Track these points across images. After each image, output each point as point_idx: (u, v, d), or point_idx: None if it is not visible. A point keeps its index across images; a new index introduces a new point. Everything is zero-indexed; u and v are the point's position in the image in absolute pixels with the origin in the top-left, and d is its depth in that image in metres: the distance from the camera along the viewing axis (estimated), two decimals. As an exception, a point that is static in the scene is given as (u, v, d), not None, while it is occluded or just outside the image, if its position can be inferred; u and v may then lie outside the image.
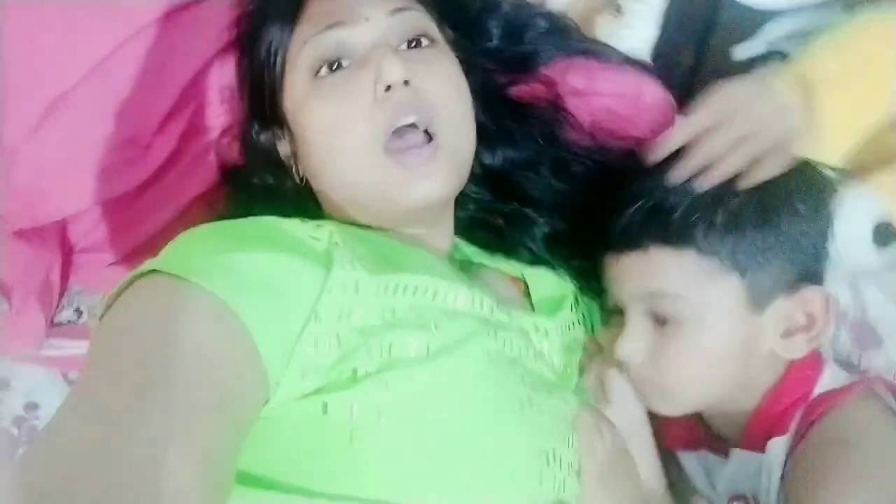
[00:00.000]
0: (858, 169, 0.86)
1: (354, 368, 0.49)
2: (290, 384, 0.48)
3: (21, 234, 0.72)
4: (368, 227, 0.62)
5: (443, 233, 0.66)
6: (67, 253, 0.78)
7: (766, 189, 0.60)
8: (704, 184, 0.59)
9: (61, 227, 0.77)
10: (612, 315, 0.66)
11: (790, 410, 0.60)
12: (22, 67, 0.69)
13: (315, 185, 0.64)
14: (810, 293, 0.61)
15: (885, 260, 0.84)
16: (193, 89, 0.73)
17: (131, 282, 0.50)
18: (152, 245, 0.79)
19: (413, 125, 0.58)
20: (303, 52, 0.59)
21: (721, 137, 0.60)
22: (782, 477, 0.58)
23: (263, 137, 0.66)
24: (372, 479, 0.48)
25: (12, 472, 0.39)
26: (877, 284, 0.86)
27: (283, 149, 0.64)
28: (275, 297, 0.49)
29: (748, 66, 0.95)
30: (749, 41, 0.93)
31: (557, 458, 0.53)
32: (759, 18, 0.93)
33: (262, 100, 0.63)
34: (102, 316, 0.50)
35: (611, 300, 0.65)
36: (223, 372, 0.45)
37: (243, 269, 0.49)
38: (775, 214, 0.60)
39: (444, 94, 0.60)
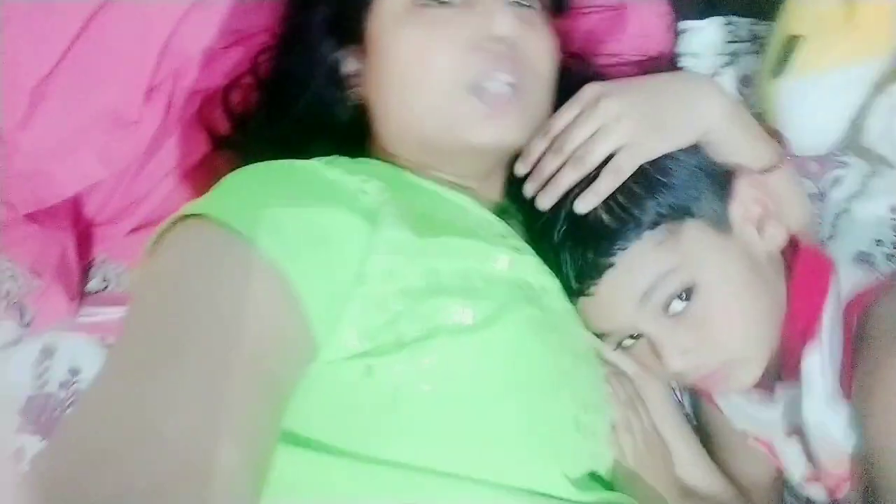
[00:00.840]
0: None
1: (400, 334, 0.49)
2: (335, 346, 0.48)
3: (32, 217, 0.74)
4: (416, 172, 0.60)
5: (493, 189, 0.64)
6: (87, 227, 0.80)
7: None
8: (548, 201, 0.59)
9: (74, 205, 0.78)
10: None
11: (812, 318, 0.57)
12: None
13: (379, 112, 0.62)
14: (743, 185, 0.61)
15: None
16: (171, 55, 0.72)
17: (174, 223, 0.49)
18: (164, 213, 0.83)
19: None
20: None
21: (554, 160, 0.59)
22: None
23: (328, 47, 0.63)
24: (413, 444, 0.48)
25: (56, 435, 0.39)
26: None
27: (349, 66, 0.63)
28: (323, 257, 0.48)
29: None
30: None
31: (592, 429, 0.54)
32: None
33: (340, 11, 0.61)
34: (145, 257, 0.49)
35: (616, 338, 0.60)
36: (269, 334, 0.44)
37: (292, 224, 0.48)
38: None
39: (541, 57, 0.60)
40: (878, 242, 0.75)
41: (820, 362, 0.56)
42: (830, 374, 0.56)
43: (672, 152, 0.58)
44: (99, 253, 0.82)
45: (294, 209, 0.48)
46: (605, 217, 0.57)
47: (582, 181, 0.58)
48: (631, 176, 0.57)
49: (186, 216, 0.49)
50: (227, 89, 0.72)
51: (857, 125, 0.77)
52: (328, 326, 0.47)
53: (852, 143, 0.79)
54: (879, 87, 0.75)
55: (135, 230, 0.80)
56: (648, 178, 0.57)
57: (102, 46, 0.71)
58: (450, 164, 0.60)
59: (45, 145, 0.72)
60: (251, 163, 0.56)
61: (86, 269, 0.82)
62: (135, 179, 0.77)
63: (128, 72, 0.72)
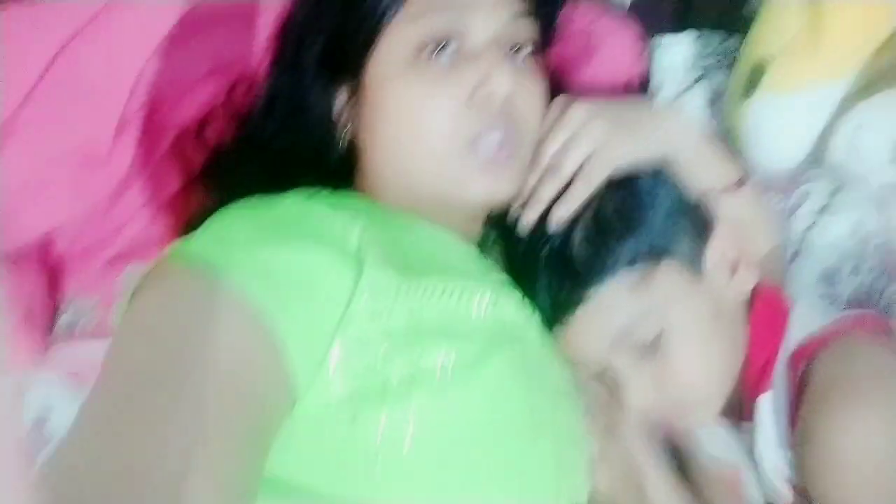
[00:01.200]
0: (881, 73, 0.78)
1: (385, 379, 0.49)
2: (319, 390, 0.48)
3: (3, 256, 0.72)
4: (400, 208, 0.60)
5: (474, 224, 0.65)
6: (57, 262, 0.78)
7: (619, 177, 0.60)
8: (529, 220, 0.60)
9: (46, 241, 0.76)
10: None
11: (767, 365, 0.59)
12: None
13: (370, 155, 0.62)
14: (718, 230, 0.62)
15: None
16: (143, 89, 0.70)
17: (160, 263, 0.49)
18: (138, 246, 0.82)
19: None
20: (416, 23, 0.57)
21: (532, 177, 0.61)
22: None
23: (321, 84, 0.62)
24: (397, 490, 0.48)
25: (35, 479, 0.39)
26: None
27: (340, 101, 0.62)
28: (309, 301, 0.48)
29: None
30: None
31: (572, 465, 0.55)
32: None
33: (341, 49, 0.60)
34: (130, 300, 0.49)
35: (585, 371, 0.61)
36: (253, 380, 0.45)
37: (279, 270, 0.48)
38: (640, 189, 0.60)
39: (533, 114, 0.60)
40: (842, 257, 0.78)
41: (773, 408, 0.58)
42: (783, 419, 0.58)
43: (653, 191, 0.59)
44: (70, 288, 0.80)
45: (281, 254, 0.49)
46: (582, 251, 0.58)
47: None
48: (612, 213, 0.58)
49: (172, 258, 0.48)
50: (201, 122, 0.71)
51: (823, 143, 0.80)
52: (311, 372, 0.47)
53: (819, 160, 0.81)
54: (844, 106, 0.78)
55: (108, 264, 0.79)
56: (629, 217, 0.58)
57: (72, 81, 0.69)
58: (437, 211, 0.60)
59: (14, 184, 0.70)
60: (227, 195, 0.56)
61: (56, 305, 0.80)
62: (107, 213, 0.76)
63: (98, 106, 0.70)
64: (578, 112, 0.60)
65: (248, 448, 0.44)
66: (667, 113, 0.67)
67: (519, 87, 0.58)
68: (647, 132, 0.62)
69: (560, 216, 0.59)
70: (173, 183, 0.75)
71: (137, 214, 0.76)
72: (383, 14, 0.57)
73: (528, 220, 0.60)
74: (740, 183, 0.67)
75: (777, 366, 0.58)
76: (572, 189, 0.59)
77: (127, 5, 0.69)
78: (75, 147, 0.71)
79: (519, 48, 0.60)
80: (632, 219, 0.58)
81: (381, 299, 0.50)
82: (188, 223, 0.76)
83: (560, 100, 0.62)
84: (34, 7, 0.69)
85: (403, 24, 0.57)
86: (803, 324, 0.60)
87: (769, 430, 0.58)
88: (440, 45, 0.57)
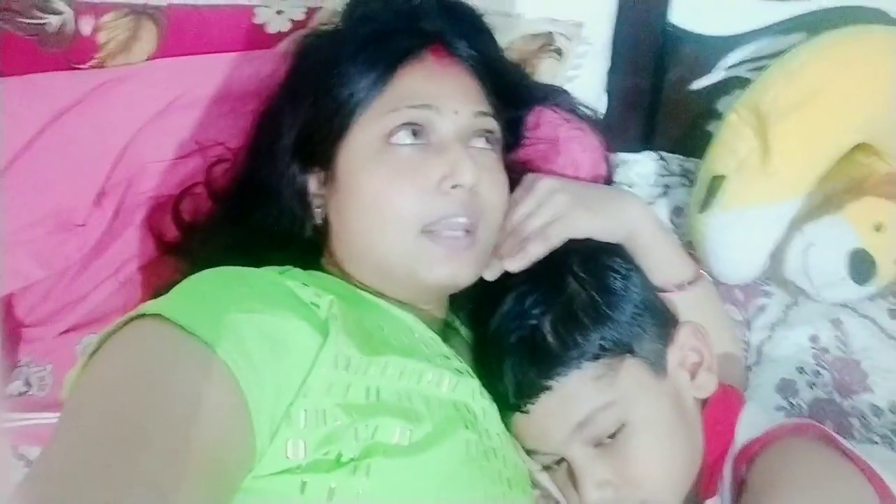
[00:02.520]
0: (828, 198, 0.83)
1: (339, 452, 0.49)
2: (273, 457, 0.48)
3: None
4: (366, 289, 0.62)
5: (440, 305, 0.67)
6: (15, 328, 0.77)
7: (591, 272, 0.62)
8: (516, 265, 0.63)
9: (6, 304, 0.75)
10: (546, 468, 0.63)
11: (715, 469, 0.59)
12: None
13: (339, 237, 0.64)
14: (683, 332, 0.64)
15: (866, 292, 0.81)
16: (126, 162, 0.73)
17: (128, 321, 0.48)
18: (97, 318, 0.82)
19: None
20: (386, 117, 0.60)
21: (519, 210, 0.66)
22: None
23: (294, 171, 0.64)
24: None
25: None
26: (859, 315, 0.83)
27: (313, 186, 0.65)
28: (273, 365, 0.48)
29: (707, 94, 0.94)
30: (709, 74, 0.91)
31: None
32: (719, 49, 0.91)
33: (313, 139, 0.63)
34: (93, 354, 0.48)
35: (542, 459, 0.62)
36: (219, 437, 0.44)
37: (249, 331, 0.48)
38: (611, 286, 0.62)
39: (496, 202, 0.64)
40: (800, 370, 0.79)
41: None
42: None
43: (623, 289, 0.61)
44: (23, 355, 0.79)
45: (251, 315, 0.49)
46: (550, 340, 0.59)
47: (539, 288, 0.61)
48: (583, 306, 0.60)
49: (141, 316, 0.48)
50: (179, 197, 0.73)
51: (777, 258, 0.83)
52: (269, 436, 0.47)
53: (774, 274, 0.85)
54: (795, 225, 0.82)
55: (64, 333, 0.78)
56: (597, 310, 0.60)
57: (59, 149, 0.71)
58: (403, 291, 0.62)
59: (-11, 242, 0.71)
60: (198, 268, 0.56)
61: (8, 372, 0.78)
62: (73, 281, 0.76)
63: (81, 176, 0.72)
64: (545, 185, 0.66)
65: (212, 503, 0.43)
66: (628, 196, 0.71)
67: (483, 178, 0.61)
68: (607, 210, 0.66)
69: (514, 267, 0.62)
70: (143, 255, 0.76)
71: (101, 285, 0.76)
72: (354, 109, 0.61)
73: (488, 275, 0.63)
74: (694, 280, 0.69)
75: (724, 470, 0.58)
76: (529, 245, 0.62)
77: (121, 83, 0.73)
78: (53, 212, 0.72)
79: (483, 141, 0.63)
80: (600, 314, 0.59)
81: (340, 373, 0.51)
82: (154, 296, 0.77)
83: (530, 176, 0.67)
84: (31, 78, 0.72)
85: (374, 117, 0.61)
86: (749, 427, 0.60)
87: None
88: (408, 135, 0.60)
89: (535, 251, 0.62)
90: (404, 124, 0.60)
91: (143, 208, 0.75)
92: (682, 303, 0.67)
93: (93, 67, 0.76)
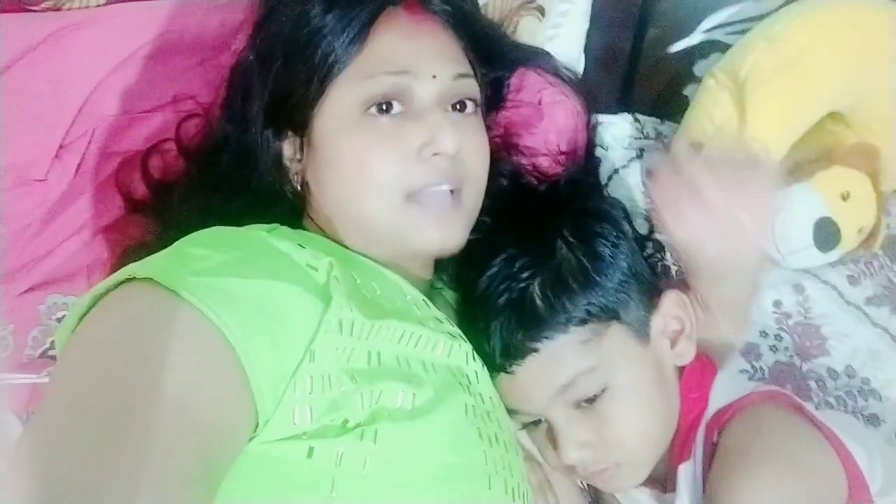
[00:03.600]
0: (798, 165, 0.84)
1: (346, 418, 0.49)
2: (278, 423, 0.47)
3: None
4: (353, 248, 0.61)
5: (427, 265, 0.66)
6: (-27, 286, 0.75)
7: (581, 237, 0.62)
8: None
9: (-37, 261, 0.73)
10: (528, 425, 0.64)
11: (689, 435, 0.61)
12: None
13: (320, 202, 0.62)
14: (667, 301, 0.64)
15: (829, 259, 0.83)
16: (88, 116, 0.69)
17: (116, 284, 0.47)
18: (61, 276, 0.79)
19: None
20: (363, 83, 0.58)
21: None
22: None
23: (268, 136, 0.62)
24: None
25: None
26: (821, 281, 0.85)
27: (288, 151, 0.62)
28: (275, 333, 0.47)
29: (685, 57, 0.93)
30: (687, 37, 0.90)
31: None
32: (699, 10, 0.90)
33: (286, 104, 0.60)
34: (84, 314, 0.47)
35: (523, 418, 0.63)
36: (212, 407, 0.44)
37: (245, 296, 0.47)
38: (600, 252, 0.62)
39: (478, 165, 0.62)
40: (763, 334, 0.81)
41: (692, 477, 0.59)
42: (699, 489, 0.59)
43: (612, 256, 0.62)
44: (-17, 314, 0.76)
45: (247, 281, 0.48)
46: (539, 303, 0.59)
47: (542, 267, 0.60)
48: (572, 271, 0.60)
49: (132, 279, 0.47)
50: (147, 154, 0.71)
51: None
52: (273, 403, 0.47)
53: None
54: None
55: (27, 291, 0.75)
56: (585, 276, 0.60)
57: (15, 100, 0.67)
58: (389, 254, 0.61)
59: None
60: (169, 229, 0.55)
61: (-33, 331, 0.76)
62: (34, 238, 0.72)
63: (40, 128, 0.69)
64: None
65: (206, 474, 0.43)
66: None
67: (464, 143, 0.59)
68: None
69: None
70: (108, 213, 0.73)
71: (65, 243, 0.73)
72: (328, 73, 0.58)
73: None
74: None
75: (697, 435, 0.60)
76: None
77: (79, 30, 0.69)
78: (11, 166, 0.69)
79: (463, 105, 0.62)
80: (589, 279, 0.60)
81: (344, 338, 0.50)
82: (121, 256, 0.75)
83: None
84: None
85: (349, 84, 0.58)
86: (722, 394, 0.62)
87: (686, 500, 0.59)
88: (386, 104, 0.58)
89: None
90: (379, 103, 0.58)
91: (108, 164, 0.72)
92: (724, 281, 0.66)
93: (47, 10, 0.71)
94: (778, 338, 0.81)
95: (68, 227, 0.74)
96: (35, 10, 0.71)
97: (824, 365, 0.79)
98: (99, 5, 0.73)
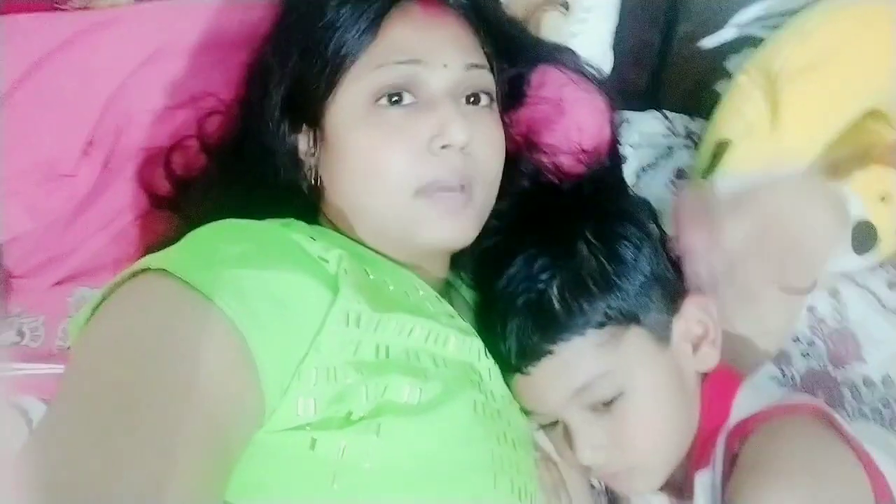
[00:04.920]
0: (834, 165, 0.81)
1: (350, 410, 0.49)
2: (283, 414, 0.48)
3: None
4: (367, 245, 0.61)
5: (442, 263, 0.65)
6: (5, 278, 0.76)
7: (603, 239, 0.61)
8: None
9: (-5, 255, 0.75)
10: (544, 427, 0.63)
11: (709, 443, 0.59)
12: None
13: (333, 197, 0.62)
14: (690, 304, 0.63)
15: (866, 262, 0.80)
16: (114, 111, 0.70)
17: (132, 274, 0.48)
18: (89, 269, 0.81)
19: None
20: (373, 73, 0.58)
21: None
22: None
23: (284, 130, 0.62)
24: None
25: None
26: (858, 285, 0.82)
27: (303, 145, 0.63)
28: (283, 323, 0.48)
29: (716, 52, 0.91)
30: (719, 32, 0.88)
31: None
32: (732, 4, 0.87)
33: (301, 97, 0.61)
34: (97, 307, 0.48)
35: (539, 419, 0.62)
36: (224, 397, 0.44)
37: (255, 286, 0.48)
38: (622, 255, 0.61)
39: (491, 159, 0.61)
40: (795, 339, 0.79)
41: (710, 485, 0.58)
42: (718, 497, 0.57)
43: (634, 259, 0.60)
44: (14, 306, 0.78)
45: (257, 271, 0.49)
46: (556, 305, 0.58)
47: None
48: (589, 273, 0.59)
49: (144, 270, 0.48)
50: (170, 150, 0.71)
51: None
52: (280, 393, 0.47)
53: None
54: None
55: (56, 284, 0.77)
56: (605, 278, 0.59)
57: (44, 96, 0.69)
58: (401, 251, 0.61)
59: (-28, 192, 0.69)
60: (191, 224, 0.55)
61: (-1, 322, 0.78)
62: (63, 233, 0.74)
63: (68, 124, 0.70)
64: None
65: (216, 465, 0.43)
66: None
67: (476, 135, 0.58)
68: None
69: None
70: (135, 208, 0.74)
71: (93, 237, 0.75)
72: (340, 64, 0.58)
73: None
74: (802, 290, 0.68)
75: (718, 444, 0.58)
76: None
77: (107, 28, 0.70)
78: (40, 161, 0.70)
79: (477, 98, 0.61)
80: (609, 282, 0.59)
81: (351, 330, 0.51)
82: (146, 250, 0.76)
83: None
84: (16, 18, 0.69)
85: (361, 75, 0.58)
86: (746, 404, 0.60)
87: None
88: (397, 95, 0.58)
89: None
90: (389, 94, 0.57)
91: (134, 159, 0.73)
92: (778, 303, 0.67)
93: (78, 9, 0.73)
94: (811, 343, 0.79)
95: (96, 221, 0.75)
96: (66, 10, 0.73)
97: (860, 373, 0.76)
98: (127, 3, 0.74)
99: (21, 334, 0.79)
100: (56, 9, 0.72)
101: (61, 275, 0.77)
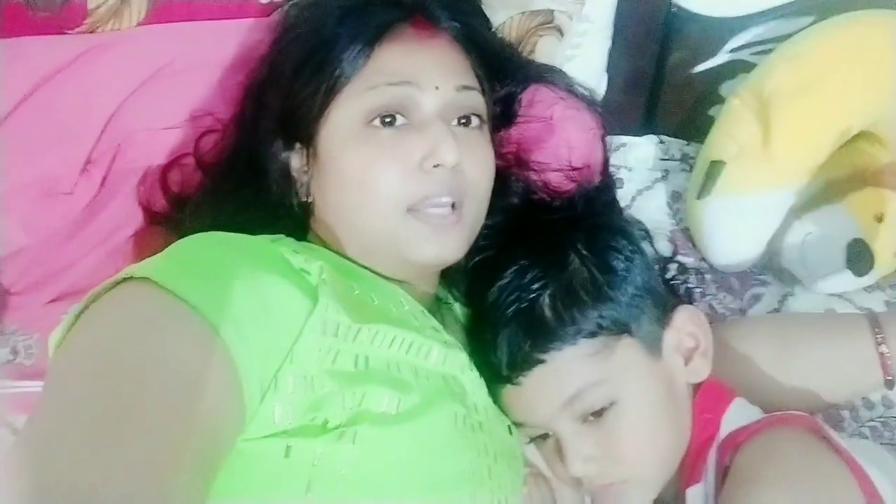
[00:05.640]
0: (829, 186, 0.82)
1: (326, 419, 0.49)
2: (259, 421, 0.48)
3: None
4: (355, 261, 0.61)
5: (430, 281, 0.66)
6: (1, 296, 0.76)
7: (594, 251, 0.61)
8: None
9: (-8, 271, 0.76)
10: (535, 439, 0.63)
11: (699, 457, 0.58)
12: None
13: (323, 213, 0.63)
14: (680, 315, 0.63)
15: (863, 282, 0.80)
16: (114, 131, 0.72)
17: (115, 283, 0.48)
18: (85, 287, 0.81)
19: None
20: (366, 95, 0.59)
21: None
22: None
23: (277, 148, 0.63)
24: None
25: None
26: (856, 307, 0.81)
27: (296, 162, 0.63)
28: (263, 330, 0.48)
29: (710, 78, 0.92)
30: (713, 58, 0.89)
31: None
32: (724, 31, 0.89)
33: (295, 116, 0.61)
34: (80, 314, 0.48)
35: (530, 431, 0.62)
36: (207, 403, 0.44)
37: (237, 294, 0.48)
38: (613, 266, 0.61)
39: (480, 179, 0.62)
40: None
41: (703, 499, 0.57)
42: None
43: (626, 270, 0.60)
44: (10, 323, 0.79)
45: (239, 280, 0.49)
46: (548, 314, 0.58)
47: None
48: (583, 283, 0.59)
49: (127, 279, 0.48)
50: (166, 168, 0.73)
51: (774, 247, 0.82)
52: (258, 400, 0.47)
53: (771, 262, 0.83)
54: (795, 213, 0.81)
55: (52, 301, 0.77)
56: (597, 288, 0.59)
57: (46, 116, 0.70)
58: (390, 268, 0.61)
59: (-28, 207, 0.70)
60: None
61: (-7, 339, 0.78)
62: (60, 250, 0.75)
63: (68, 143, 0.71)
64: None
65: (201, 469, 0.43)
66: None
67: (466, 156, 0.59)
68: None
69: None
70: (131, 226, 0.75)
71: (89, 255, 0.75)
72: (333, 87, 0.59)
73: None
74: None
75: (709, 457, 0.58)
76: None
77: (108, 50, 0.72)
78: (39, 179, 0.71)
79: (468, 120, 0.62)
80: (601, 292, 0.59)
81: (329, 340, 0.51)
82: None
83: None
84: (19, 41, 0.71)
85: (354, 95, 0.59)
86: (737, 417, 0.59)
87: None
88: (389, 117, 0.58)
89: None
90: (382, 115, 0.58)
91: (131, 178, 0.74)
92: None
93: (82, 33, 0.74)
94: (808, 364, 0.78)
95: (93, 238, 0.75)
96: (71, 33, 0.75)
97: (858, 395, 0.75)
98: (131, 27, 0.76)
99: (15, 352, 0.79)
100: (62, 32, 0.74)
101: (57, 292, 0.77)
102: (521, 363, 0.58)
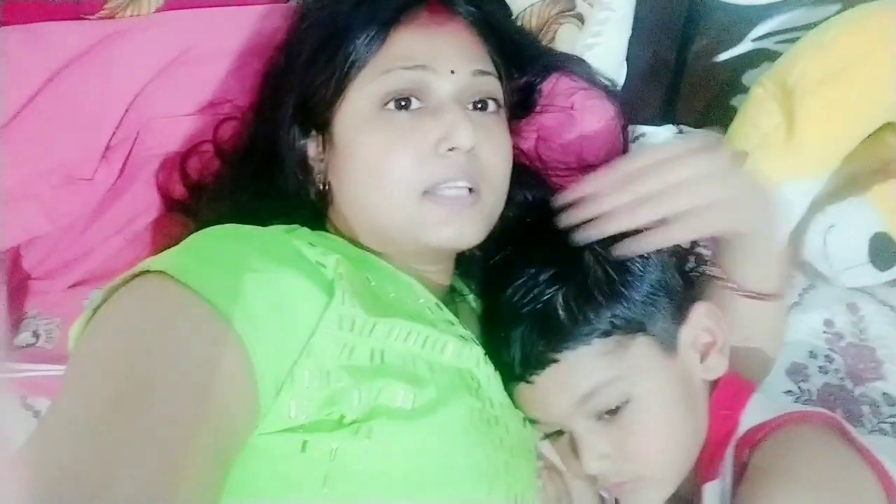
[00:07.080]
0: (853, 178, 0.80)
1: (342, 414, 0.49)
2: (274, 416, 0.48)
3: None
4: (371, 251, 0.61)
5: (445, 271, 0.65)
6: (23, 280, 0.78)
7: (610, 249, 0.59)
8: (594, 234, 0.58)
9: (13, 257, 0.76)
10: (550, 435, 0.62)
11: (717, 453, 0.58)
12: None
13: (340, 199, 0.63)
14: (695, 312, 0.62)
15: (886, 277, 0.78)
16: (134, 117, 0.72)
17: (132, 276, 0.48)
18: (104, 273, 0.82)
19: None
20: (381, 79, 0.59)
21: (622, 194, 0.58)
22: None
23: (294, 135, 0.63)
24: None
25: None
26: (878, 301, 0.80)
27: (312, 150, 0.63)
28: (278, 325, 0.48)
29: (733, 67, 0.90)
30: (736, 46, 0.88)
31: None
32: (748, 19, 0.87)
33: (310, 102, 0.61)
34: (98, 308, 0.48)
35: (544, 428, 0.61)
36: (222, 397, 0.44)
37: (253, 288, 0.48)
38: (629, 265, 0.59)
39: (497, 164, 0.61)
40: (812, 354, 0.77)
41: (719, 495, 0.57)
42: None
43: (641, 268, 0.59)
44: (31, 307, 0.80)
45: (255, 273, 0.49)
46: (562, 314, 0.58)
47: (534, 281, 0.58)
48: (595, 283, 0.58)
49: (145, 272, 0.48)
50: (185, 156, 0.73)
51: (796, 239, 0.81)
52: (273, 395, 0.47)
53: (792, 255, 0.82)
54: (817, 205, 0.79)
55: (72, 286, 0.78)
56: (612, 288, 0.58)
57: (66, 102, 0.70)
58: (406, 255, 0.61)
59: (-4, 193, 0.71)
60: (204, 227, 0.56)
61: (16, 324, 0.79)
62: (80, 236, 0.76)
63: (88, 130, 0.72)
64: (704, 162, 0.57)
65: (217, 462, 0.44)
66: (768, 196, 0.63)
67: (482, 140, 0.59)
68: (744, 208, 0.60)
69: (619, 252, 0.57)
70: (150, 212, 0.76)
71: (109, 241, 0.77)
72: (349, 71, 0.59)
73: (589, 236, 0.58)
74: (770, 297, 0.65)
75: (726, 454, 0.57)
76: (649, 235, 0.57)
77: (128, 36, 0.72)
78: (59, 165, 0.72)
79: (484, 104, 0.61)
80: (615, 292, 0.58)
81: (345, 334, 0.51)
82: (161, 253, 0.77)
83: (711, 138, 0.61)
84: (38, 27, 0.71)
85: (369, 80, 0.59)
86: (756, 414, 0.59)
87: None
88: (405, 100, 0.58)
89: (654, 243, 0.57)
90: (396, 98, 0.58)
91: (151, 164, 0.75)
92: (751, 310, 0.65)
93: (101, 19, 0.75)
94: (828, 359, 0.77)
95: (112, 225, 0.77)
96: (91, 19, 0.75)
97: (879, 389, 0.74)
98: (150, 13, 0.76)
99: (36, 336, 0.80)
100: (81, 18, 0.74)
101: (77, 277, 0.78)
102: (534, 362, 0.57)
